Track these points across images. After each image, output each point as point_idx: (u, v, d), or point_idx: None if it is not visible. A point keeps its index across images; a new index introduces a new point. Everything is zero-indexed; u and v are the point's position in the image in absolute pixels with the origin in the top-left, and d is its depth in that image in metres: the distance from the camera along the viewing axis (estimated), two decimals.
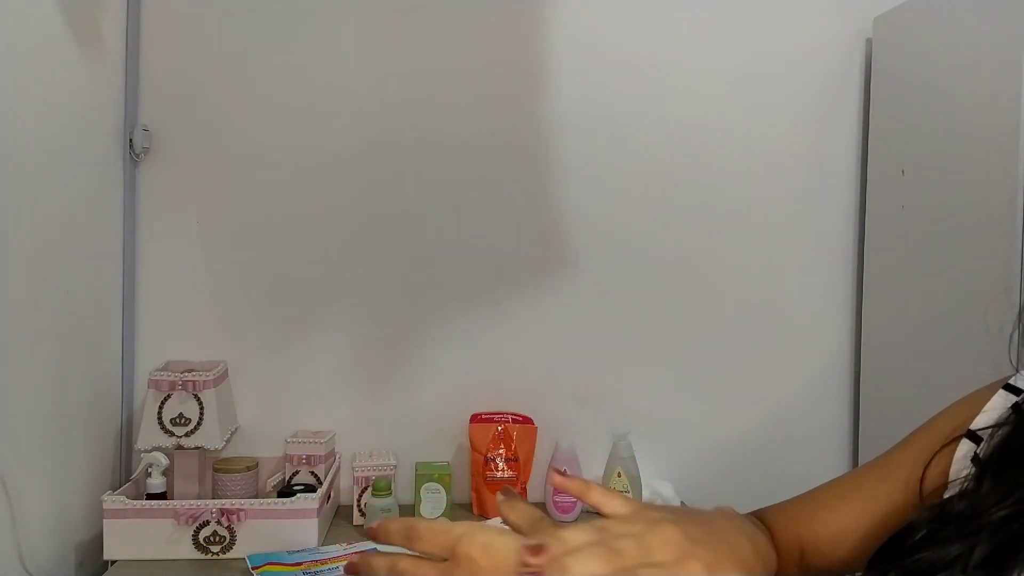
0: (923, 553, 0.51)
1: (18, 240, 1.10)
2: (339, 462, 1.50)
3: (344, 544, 1.26)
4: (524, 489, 1.49)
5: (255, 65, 1.50)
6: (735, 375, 1.61)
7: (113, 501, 1.24)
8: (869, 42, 1.60)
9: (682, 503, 1.52)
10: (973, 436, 0.59)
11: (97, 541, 1.26)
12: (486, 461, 1.46)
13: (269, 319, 1.52)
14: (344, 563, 1.17)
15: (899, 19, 1.49)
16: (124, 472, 1.44)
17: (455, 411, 1.53)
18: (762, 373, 1.62)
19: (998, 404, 0.60)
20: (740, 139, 1.58)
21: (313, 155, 1.51)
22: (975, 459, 0.57)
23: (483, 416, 1.52)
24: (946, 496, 0.57)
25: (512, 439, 1.48)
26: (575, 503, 1.47)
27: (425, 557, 0.48)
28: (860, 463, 1.60)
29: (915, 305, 1.43)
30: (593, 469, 1.54)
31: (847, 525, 0.65)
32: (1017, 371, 0.63)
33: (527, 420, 1.52)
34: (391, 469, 1.44)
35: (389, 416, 1.54)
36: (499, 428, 1.48)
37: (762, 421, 1.62)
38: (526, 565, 0.43)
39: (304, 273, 1.52)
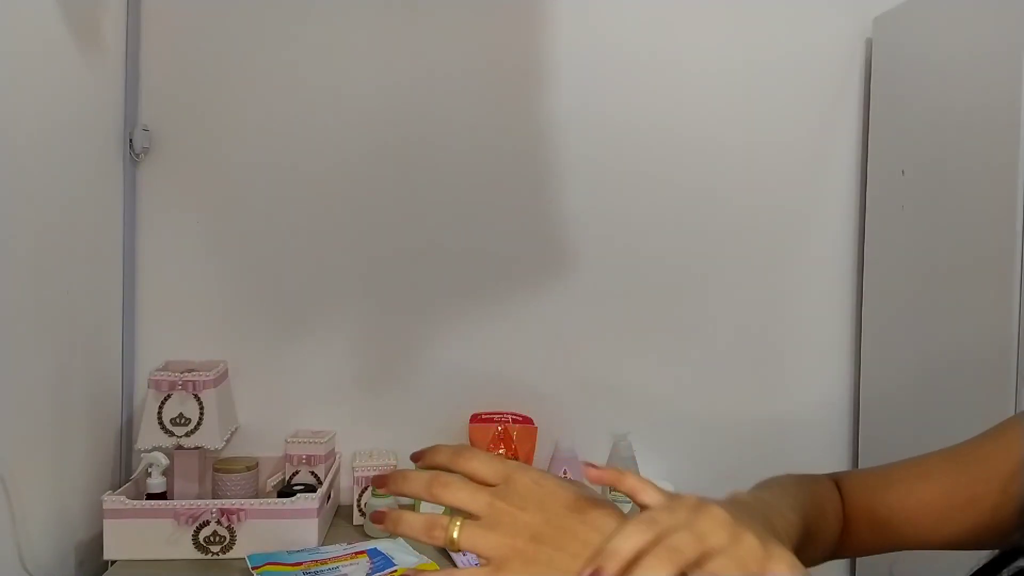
0: None
1: (18, 240, 1.10)
2: (339, 462, 1.50)
3: (344, 544, 1.26)
4: None
5: (255, 65, 1.50)
6: (735, 375, 1.61)
7: (113, 501, 1.24)
8: (869, 42, 1.59)
9: None
10: None
11: (97, 541, 1.26)
12: None
13: (269, 319, 1.52)
14: (344, 563, 1.17)
15: (899, 19, 1.49)
16: (124, 472, 1.44)
17: (455, 411, 1.53)
18: (762, 373, 1.62)
19: None
20: (740, 139, 1.58)
21: (313, 155, 1.51)
22: None
23: (483, 416, 1.52)
24: None
25: (512, 439, 1.48)
26: None
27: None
28: (860, 462, 1.60)
29: (915, 305, 1.42)
30: None
31: (924, 503, 0.64)
32: None
33: (527, 420, 1.52)
34: (391, 469, 1.44)
35: (389, 416, 1.54)
36: (499, 428, 1.48)
37: (762, 421, 1.62)
38: None
39: (304, 273, 1.52)
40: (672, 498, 0.49)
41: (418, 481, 0.48)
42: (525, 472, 0.48)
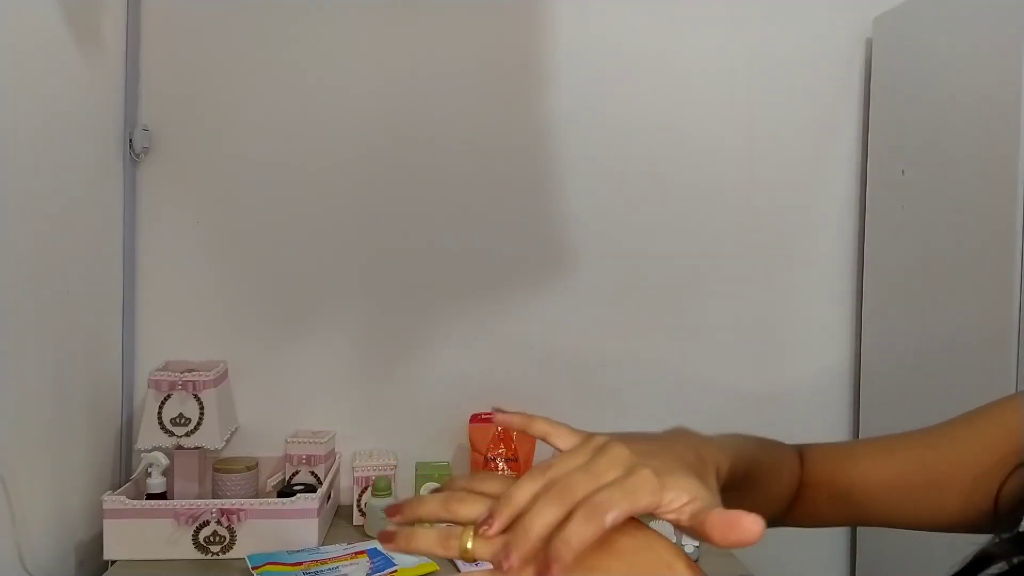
0: None
1: (18, 240, 1.10)
2: (339, 462, 1.50)
3: (344, 544, 1.26)
4: None
5: (255, 65, 1.50)
6: (735, 375, 1.61)
7: (113, 501, 1.24)
8: (869, 42, 1.59)
9: None
10: None
11: (97, 541, 1.26)
12: (486, 461, 1.46)
13: (269, 319, 1.52)
14: (344, 563, 1.17)
15: (899, 19, 1.49)
16: (124, 472, 1.44)
17: (455, 411, 1.53)
18: (762, 373, 1.62)
19: None
20: (740, 139, 1.58)
21: (313, 155, 1.51)
22: None
23: (483, 416, 1.52)
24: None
25: (512, 439, 1.48)
26: None
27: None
28: None
29: (915, 304, 1.42)
30: None
31: (885, 480, 0.64)
32: None
33: None
34: (391, 469, 1.44)
35: (389, 416, 1.54)
36: (499, 428, 1.48)
37: (762, 420, 1.60)
38: (482, 533, 0.43)
39: (304, 273, 1.52)
40: (585, 439, 0.49)
41: (434, 502, 0.48)
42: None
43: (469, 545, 0.45)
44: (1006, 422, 0.60)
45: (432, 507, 0.48)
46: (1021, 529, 0.53)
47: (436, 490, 0.51)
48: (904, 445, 0.65)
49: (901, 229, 1.47)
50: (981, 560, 0.51)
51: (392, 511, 0.49)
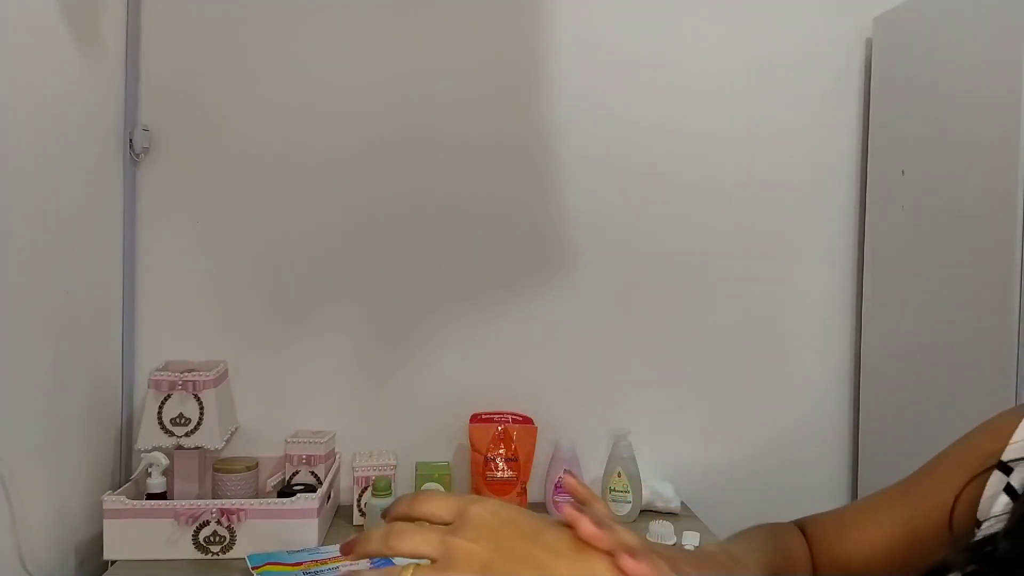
0: None
1: (18, 240, 1.10)
2: (339, 462, 1.50)
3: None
4: (524, 489, 1.49)
5: (255, 65, 1.50)
6: (735, 374, 1.61)
7: (113, 501, 1.24)
8: (869, 42, 1.60)
9: (682, 503, 1.52)
10: (1004, 467, 0.58)
11: (97, 541, 1.26)
12: (486, 461, 1.46)
13: (269, 319, 1.52)
14: (344, 563, 1.17)
15: (899, 19, 1.49)
16: (124, 472, 1.44)
17: (455, 411, 1.53)
18: (762, 372, 1.62)
19: None
20: (740, 139, 1.58)
21: (312, 156, 1.51)
22: (1008, 489, 0.55)
23: (483, 416, 1.52)
24: (981, 534, 0.54)
25: (512, 439, 1.48)
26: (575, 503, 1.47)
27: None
28: (860, 461, 1.60)
29: (915, 305, 1.43)
30: (593, 469, 1.54)
31: (873, 545, 0.65)
32: None
33: (527, 420, 1.52)
34: (391, 469, 1.44)
35: (389, 416, 1.54)
36: (499, 428, 1.48)
37: (762, 420, 1.62)
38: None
39: (304, 273, 1.52)
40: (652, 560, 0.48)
41: (375, 539, 0.48)
42: (480, 504, 0.48)
43: None
44: (961, 460, 0.62)
45: (375, 546, 0.48)
46: (976, 539, 0.54)
47: (385, 511, 0.52)
48: (885, 504, 0.67)
49: (901, 229, 1.47)
50: (938, 571, 0.52)
51: (344, 549, 0.50)
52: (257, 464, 1.43)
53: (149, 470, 1.30)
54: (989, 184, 1.21)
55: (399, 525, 0.48)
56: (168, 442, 1.32)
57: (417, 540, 0.46)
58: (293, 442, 1.44)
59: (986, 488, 0.57)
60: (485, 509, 0.47)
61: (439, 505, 0.48)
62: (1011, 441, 0.58)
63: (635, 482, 1.47)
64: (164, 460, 1.30)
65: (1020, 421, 0.60)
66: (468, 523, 0.46)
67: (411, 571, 0.45)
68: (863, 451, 1.60)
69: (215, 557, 1.26)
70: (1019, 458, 0.57)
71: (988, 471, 0.58)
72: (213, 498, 1.35)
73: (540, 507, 1.50)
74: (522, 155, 1.55)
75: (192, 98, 1.49)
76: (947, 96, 1.34)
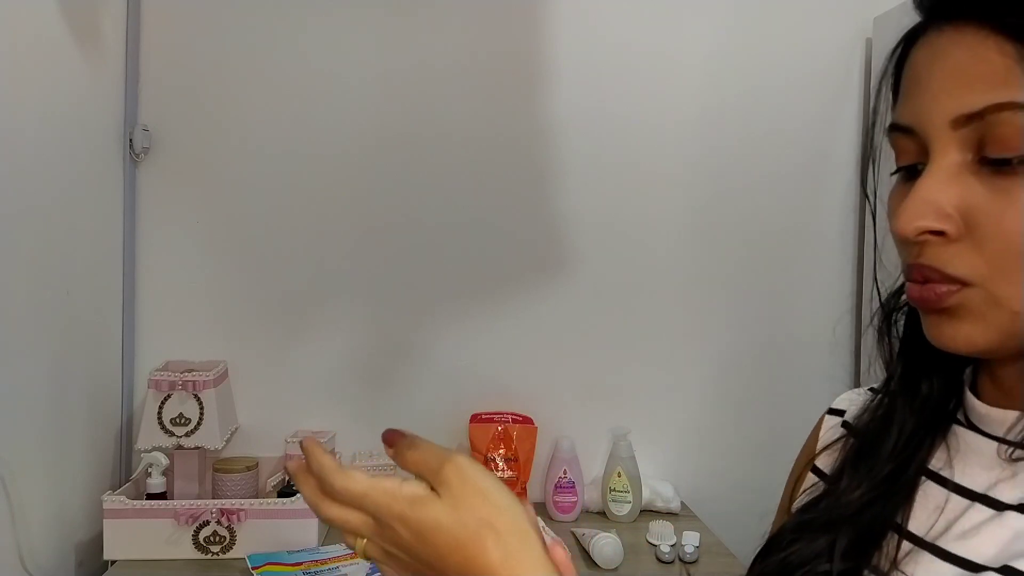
0: (793, 547, 0.54)
1: (18, 240, 1.10)
2: (339, 462, 1.49)
3: (344, 544, 1.26)
4: (524, 489, 1.49)
5: (255, 65, 1.50)
6: (735, 374, 1.61)
7: (113, 501, 1.24)
8: (869, 42, 1.59)
9: (682, 503, 1.52)
10: (817, 470, 0.64)
11: (97, 541, 1.26)
12: (486, 461, 1.46)
13: (269, 319, 1.52)
14: (344, 563, 1.17)
15: (899, 19, 1.49)
16: (124, 472, 1.44)
17: (455, 411, 1.53)
18: (761, 372, 1.62)
19: (830, 426, 0.68)
20: (740, 139, 1.58)
21: (313, 156, 1.51)
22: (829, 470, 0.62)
23: (483, 416, 1.52)
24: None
25: (512, 439, 1.48)
26: (575, 503, 1.47)
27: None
28: None
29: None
30: (593, 469, 1.54)
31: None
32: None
33: (527, 420, 1.52)
34: (391, 469, 1.44)
35: (389, 416, 1.54)
36: (499, 428, 1.48)
37: (762, 420, 1.62)
38: None
39: (304, 273, 1.52)
40: None
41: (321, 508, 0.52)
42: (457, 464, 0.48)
43: (363, 545, 0.49)
44: (794, 472, 0.69)
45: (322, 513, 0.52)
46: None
47: (385, 433, 0.54)
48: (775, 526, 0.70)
49: None
50: (778, 534, 0.58)
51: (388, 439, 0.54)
52: (257, 464, 1.43)
53: (149, 470, 1.30)
54: None
55: (343, 525, 0.50)
56: (168, 442, 1.32)
57: (349, 541, 0.50)
58: (293, 442, 1.44)
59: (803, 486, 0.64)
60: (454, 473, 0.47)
61: (417, 463, 0.50)
62: (819, 440, 0.68)
63: (635, 482, 1.47)
64: (164, 460, 1.30)
65: (822, 422, 0.69)
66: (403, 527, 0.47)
67: (364, 540, 0.48)
68: None
69: (215, 557, 1.26)
70: (825, 447, 0.64)
71: (804, 474, 0.66)
72: (213, 498, 1.35)
73: (540, 507, 1.50)
74: (522, 155, 1.55)
75: (192, 98, 1.49)
76: None
